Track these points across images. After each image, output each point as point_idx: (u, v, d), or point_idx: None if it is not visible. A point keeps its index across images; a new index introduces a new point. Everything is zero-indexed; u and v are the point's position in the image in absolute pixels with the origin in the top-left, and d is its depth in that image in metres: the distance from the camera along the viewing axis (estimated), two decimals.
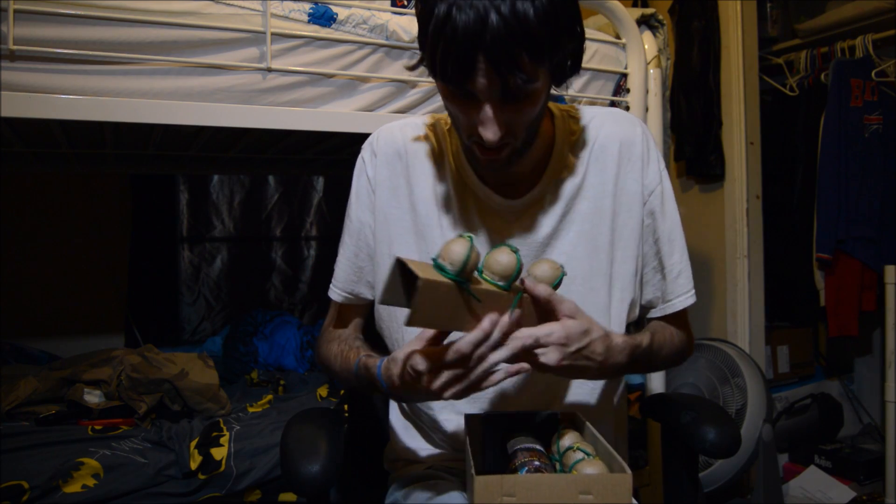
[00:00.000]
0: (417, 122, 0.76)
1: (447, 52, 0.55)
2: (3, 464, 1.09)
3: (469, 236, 0.56)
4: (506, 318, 0.56)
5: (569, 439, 0.65)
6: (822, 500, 1.72)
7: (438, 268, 0.55)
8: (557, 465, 0.64)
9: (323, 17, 1.07)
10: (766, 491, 1.50)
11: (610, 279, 0.73)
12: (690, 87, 1.81)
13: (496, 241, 0.72)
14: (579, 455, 0.61)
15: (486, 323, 0.55)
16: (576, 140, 0.73)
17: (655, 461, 1.54)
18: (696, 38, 1.79)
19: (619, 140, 0.73)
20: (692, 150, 1.84)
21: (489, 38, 0.53)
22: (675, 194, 0.77)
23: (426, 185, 0.73)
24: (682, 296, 0.75)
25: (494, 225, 0.72)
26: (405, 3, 1.14)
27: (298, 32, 1.04)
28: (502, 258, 0.57)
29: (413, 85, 1.15)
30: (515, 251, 0.58)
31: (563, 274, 0.61)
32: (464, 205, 0.72)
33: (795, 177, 1.96)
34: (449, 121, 0.75)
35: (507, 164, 0.64)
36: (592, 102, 1.34)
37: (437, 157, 0.73)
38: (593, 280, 0.72)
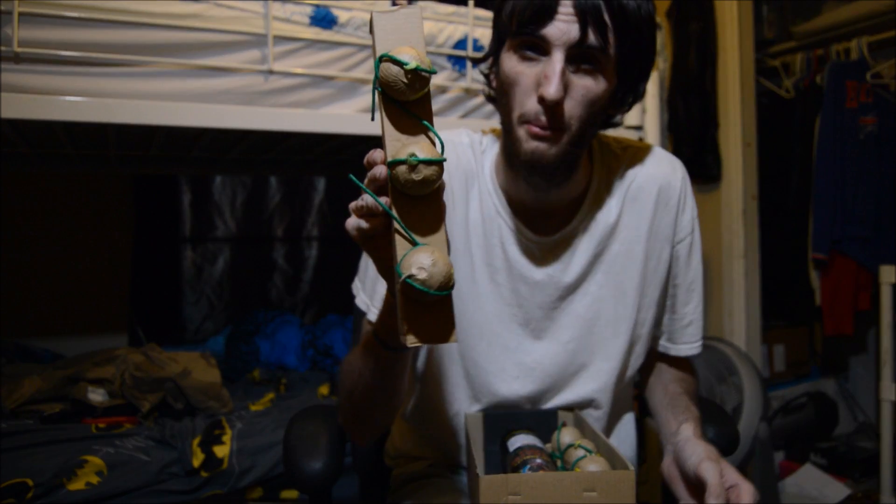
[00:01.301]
0: (455, 140, 0.71)
1: None
2: (7, 461, 1.10)
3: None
4: (381, 169, 0.46)
5: (569, 436, 0.66)
6: (817, 498, 1.73)
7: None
8: (559, 462, 0.64)
9: (324, 20, 1.08)
10: (762, 488, 1.51)
11: (634, 326, 0.71)
12: (687, 88, 1.82)
13: (520, 278, 0.69)
14: (581, 452, 0.61)
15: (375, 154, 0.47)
16: (613, 178, 0.70)
17: (653, 459, 1.55)
18: (693, 41, 1.80)
19: (658, 183, 0.70)
20: (689, 151, 1.85)
21: None
22: None
23: (460, 208, 0.69)
24: (688, 344, 0.76)
25: (521, 260, 0.69)
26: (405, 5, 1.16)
27: (300, 35, 1.05)
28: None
29: None
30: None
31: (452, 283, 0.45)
32: (491, 233, 0.69)
33: (791, 178, 1.98)
34: (485, 141, 0.71)
35: (551, 161, 0.60)
36: None
37: (471, 179, 0.69)
38: (618, 325, 0.71)
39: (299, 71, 1.06)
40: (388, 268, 0.50)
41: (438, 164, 0.44)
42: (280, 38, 1.04)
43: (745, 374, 1.58)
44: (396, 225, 0.45)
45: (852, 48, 1.87)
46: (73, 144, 1.42)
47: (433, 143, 0.46)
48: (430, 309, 0.46)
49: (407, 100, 0.46)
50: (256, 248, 2.37)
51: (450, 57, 1.17)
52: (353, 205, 0.48)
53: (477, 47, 1.19)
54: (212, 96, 1.02)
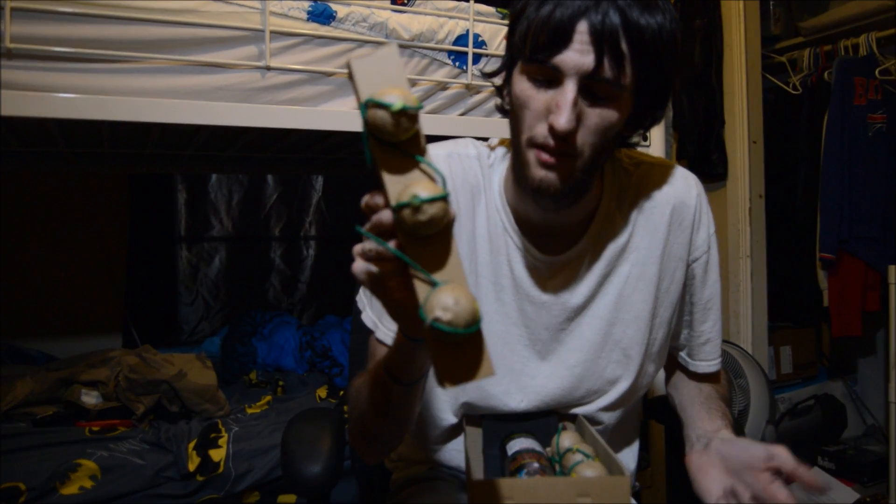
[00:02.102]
0: (462, 153, 0.69)
1: (549, 16, 0.54)
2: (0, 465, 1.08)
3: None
4: (386, 214, 0.44)
5: (568, 440, 0.65)
6: (825, 502, 1.71)
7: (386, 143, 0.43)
8: (557, 467, 0.63)
9: (322, 15, 1.06)
10: None
11: (646, 348, 0.70)
12: (693, 85, 1.80)
13: (527, 297, 0.67)
14: (579, 457, 0.61)
15: (363, 199, 0.45)
16: (624, 196, 0.68)
17: (658, 463, 1.53)
18: (698, 37, 1.78)
19: (672, 202, 0.68)
20: (694, 149, 1.83)
21: (599, 11, 0.53)
22: None
23: (466, 222, 0.67)
24: (705, 362, 0.74)
25: (527, 280, 0.67)
26: (405, 0, 1.14)
27: (297, 30, 1.04)
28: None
29: (413, 83, 1.15)
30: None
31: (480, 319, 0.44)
32: (498, 251, 0.67)
33: (798, 176, 1.96)
34: (493, 155, 0.69)
35: (560, 190, 0.58)
36: None
37: (478, 194, 0.68)
38: (629, 348, 0.69)
39: (297, 67, 1.04)
40: (398, 308, 0.49)
41: (443, 199, 0.43)
42: (277, 34, 1.02)
43: (752, 376, 1.56)
44: (412, 269, 0.44)
45: (861, 44, 1.85)
46: (67, 142, 1.41)
47: (433, 180, 0.45)
48: (462, 347, 0.45)
49: (399, 140, 0.45)
50: (253, 248, 2.35)
51: (450, 53, 1.15)
52: (357, 249, 0.46)
53: (478, 43, 1.17)
54: (208, 93, 1.00)
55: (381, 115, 0.43)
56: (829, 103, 1.82)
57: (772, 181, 1.86)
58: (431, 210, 0.43)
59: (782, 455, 0.55)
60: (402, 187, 0.44)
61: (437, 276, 0.45)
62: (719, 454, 0.61)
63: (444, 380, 0.45)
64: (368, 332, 0.70)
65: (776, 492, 0.55)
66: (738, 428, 0.77)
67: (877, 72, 1.80)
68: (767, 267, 1.83)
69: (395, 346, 0.55)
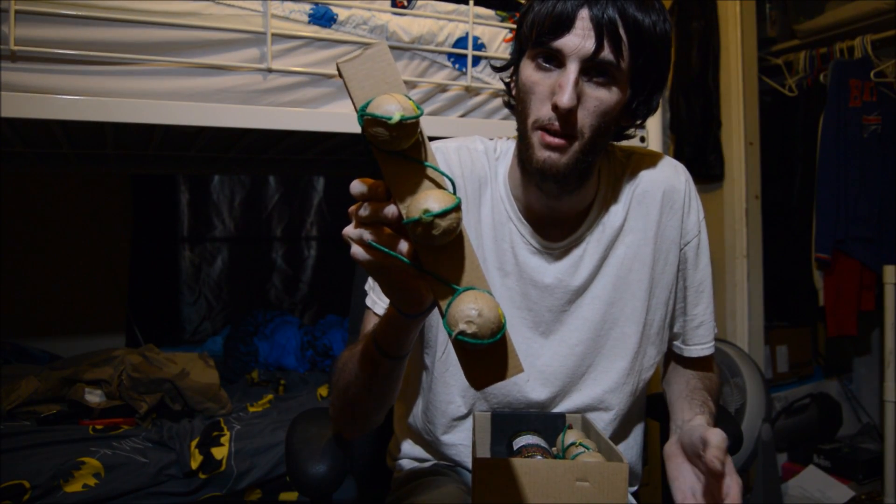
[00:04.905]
0: (470, 147, 0.73)
1: (554, 6, 0.59)
2: (4, 463, 1.09)
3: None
4: (392, 209, 0.43)
5: (572, 437, 0.66)
6: (820, 500, 1.72)
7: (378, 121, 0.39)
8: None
9: (323, 18, 1.07)
10: (765, 490, 1.50)
11: (643, 327, 0.73)
12: (690, 87, 1.82)
13: (530, 282, 0.70)
14: (581, 449, 0.62)
15: (357, 187, 0.43)
16: (619, 183, 0.72)
17: (655, 461, 1.54)
18: (695, 39, 1.79)
19: (662, 187, 0.72)
20: (691, 151, 1.84)
21: (598, 4, 0.58)
22: None
23: (472, 212, 0.71)
24: (700, 345, 0.77)
25: (531, 265, 0.70)
26: (405, 3, 1.15)
27: (299, 33, 1.05)
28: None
29: (413, 86, 1.16)
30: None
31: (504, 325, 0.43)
32: (502, 238, 0.70)
33: (794, 177, 1.97)
34: (499, 147, 0.73)
35: (562, 170, 0.61)
36: None
37: (484, 185, 0.71)
38: (626, 326, 0.72)
39: (298, 69, 1.05)
40: (396, 289, 0.49)
41: (455, 209, 0.40)
42: (279, 37, 1.03)
43: (748, 375, 1.58)
44: (430, 276, 0.42)
45: (856, 46, 1.86)
46: (70, 144, 1.42)
47: (442, 186, 0.42)
48: (489, 352, 0.44)
49: (401, 148, 0.42)
50: (255, 248, 2.36)
51: (450, 55, 1.16)
52: (354, 235, 0.44)
53: (477, 45, 1.18)
54: (210, 95, 1.01)
55: (379, 129, 0.40)
56: (825, 105, 1.83)
57: (768, 182, 1.87)
58: (444, 223, 0.40)
59: (712, 439, 0.54)
60: (410, 200, 0.41)
61: (455, 282, 0.42)
62: (680, 442, 0.62)
63: (473, 383, 0.45)
64: (365, 309, 0.72)
65: (715, 473, 0.54)
66: (724, 418, 0.78)
67: (872, 74, 1.81)
68: (764, 267, 1.84)
69: (386, 320, 0.56)
